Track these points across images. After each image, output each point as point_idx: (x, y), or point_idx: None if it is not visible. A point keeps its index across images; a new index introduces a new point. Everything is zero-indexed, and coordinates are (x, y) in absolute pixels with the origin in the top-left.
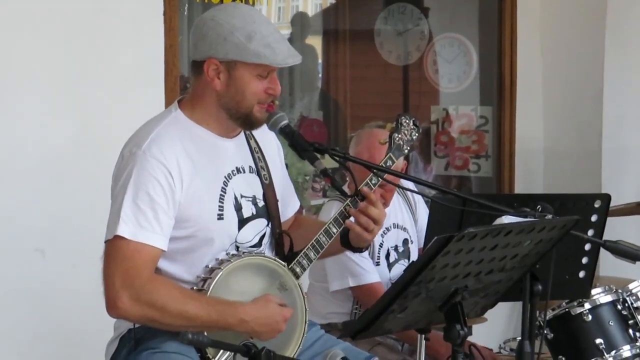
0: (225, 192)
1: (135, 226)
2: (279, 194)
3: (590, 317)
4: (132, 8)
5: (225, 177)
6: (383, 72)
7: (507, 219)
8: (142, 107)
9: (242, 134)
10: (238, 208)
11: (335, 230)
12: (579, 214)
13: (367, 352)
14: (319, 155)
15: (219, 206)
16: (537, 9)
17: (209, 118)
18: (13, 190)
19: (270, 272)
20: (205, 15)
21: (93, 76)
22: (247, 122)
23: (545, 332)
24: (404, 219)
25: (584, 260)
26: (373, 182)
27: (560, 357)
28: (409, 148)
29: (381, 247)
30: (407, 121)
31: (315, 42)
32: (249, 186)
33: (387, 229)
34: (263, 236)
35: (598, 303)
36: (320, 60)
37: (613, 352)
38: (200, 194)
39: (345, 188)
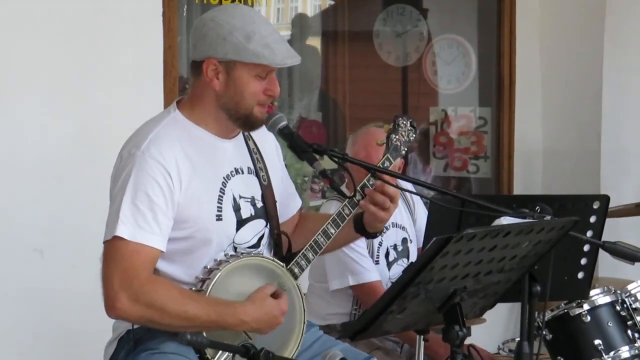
0: (223, 193)
1: (134, 227)
2: (278, 195)
3: (589, 318)
4: (131, 9)
5: (224, 177)
6: (382, 73)
7: (506, 220)
8: (141, 108)
9: (241, 134)
10: (237, 209)
11: (333, 231)
12: (578, 215)
13: (365, 354)
14: (317, 157)
15: (218, 207)
16: (536, 10)
17: (208, 119)
18: (12, 190)
19: (269, 273)
20: (205, 15)
21: (92, 76)
22: (247, 123)
23: (544, 333)
24: (403, 219)
25: (583, 261)
26: (371, 182)
27: (559, 357)
28: (406, 149)
29: (380, 245)
30: (404, 122)
31: (314, 43)
32: (248, 187)
33: (386, 228)
34: (262, 237)
35: (597, 304)
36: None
37: (612, 353)
38: (199, 194)
39: (344, 188)
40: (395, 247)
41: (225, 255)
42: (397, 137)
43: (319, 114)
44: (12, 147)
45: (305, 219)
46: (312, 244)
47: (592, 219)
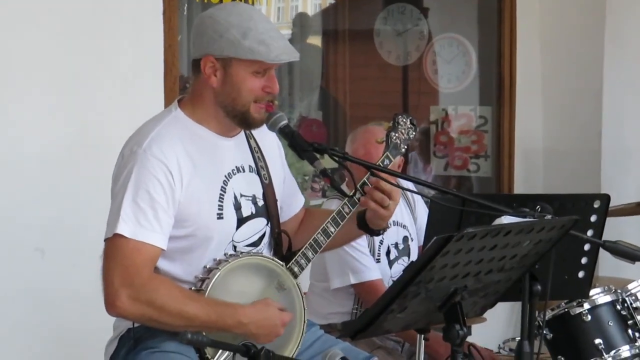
0: (225, 192)
1: (135, 225)
2: (279, 194)
3: (589, 317)
4: (132, 8)
5: (225, 176)
6: (382, 72)
7: (506, 219)
8: (142, 107)
9: (242, 133)
10: (237, 207)
11: (333, 230)
12: (578, 214)
13: (366, 353)
14: (318, 155)
15: (219, 205)
16: (537, 9)
17: (209, 117)
18: (13, 190)
19: (269, 272)
20: (203, 13)
21: (92, 76)
22: (244, 121)
23: (544, 332)
24: (404, 217)
25: (583, 260)
26: (373, 179)
27: (559, 357)
28: (406, 147)
29: (381, 244)
30: (404, 120)
31: (315, 42)
32: (249, 185)
33: (387, 226)
34: (263, 236)
35: (597, 303)
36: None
37: (612, 352)
38: (200, 193)
39: (344, 187)
40: (396, 245)
41: (224, 254)
42: (396, 135)
43: (319, 113)
44: (12, 147)
45: (310, 215)
46: (312, 242)
47: (593, 218)
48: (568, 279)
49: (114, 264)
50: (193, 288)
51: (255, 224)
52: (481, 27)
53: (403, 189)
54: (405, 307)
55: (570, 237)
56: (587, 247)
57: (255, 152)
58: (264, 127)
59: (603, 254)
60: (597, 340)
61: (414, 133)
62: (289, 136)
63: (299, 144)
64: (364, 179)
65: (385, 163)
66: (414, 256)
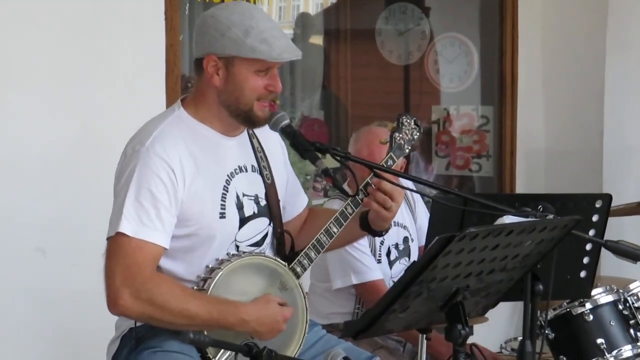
0: (227, 191)
1: (138, 223)
2: (281, 195)
3: (591, 317)
4: (133, 8)
5: (227, 175)
6: (384, 72)
7: (508, 219)
8: (143, 107)
9: (245, 133)
10: (240, 207)
11: (335, 230)
12: (580, 214)
13: (368, 352)
14: (320, 155)
15: (221, 205)
16: (538, 8)
17: (211, 116)
18: (13, 190)
19: (271, 272)
20: (205, 13)
21: (94, 76)
22: (247, 120)
23: (546, 332)
24: (404, 217)
25: (585, 260)
26: (375, 180)
27: (561, 357)
28: (410, 147)
29: (382, 244)
30: (408, 120)
31: (316, 41)
32: (251, 185)
33: (389, 227)
34: (265, 235)
35: (599, 303)
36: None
37: (614, 352)
38: (203, 192)
39: (346, 187)
40: (396, 245)
41: (227, 254)
42: (400, 135)
43: (321, 113)
44: (13, 147)
45: (314, 215)
46: (315, 243)
47: (595, 218)
48: (570, 279)
49: (116, 262)
50: (195, 287)
51: (258, 223)
52: (483, 27)
53: (405, 188)
54: (407, 307)
55: (572, 237)
56: (589, 246)
57: (258, 151)
58: (267, 127)
59: (605, 254)
60: (599, 340)
61: (418, 134)
62: (290, 136)
63: (300, 144)
64: (367, 179)
65: (388, 163)
66: (414, 257)
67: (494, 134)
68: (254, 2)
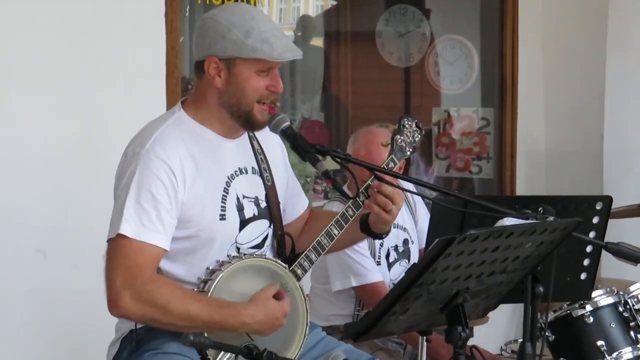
0: (227, 193)
1: (138, 225)
2: (282, 197)
3: (591, 319)
4: (133, 9)
5: (228, 177)
6: (384, 74)
7: (508, 221)
8: (144, 108)
9: (246, 135)
10: (240, 208)
11: (336, 232)
12: (581, 216)
13: (368, 355)
14: (320, 157)
15: (222, 206)
16: (539, 10)
17: (212, 118)
18: (14, 191)
19: (271, 274)
20: (205, 15)
21: (94, 77)
22: (247, 122)
23: (546, 334)
24: (404, 220)
25: (586, 262)
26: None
27: (561, 359)
28: (411, 150)
29: (381, 246)
30: (410, 123)
31: (317, 43)
32: (252, 187)
33: (390, 230)
34: (265, 237)
35: (599, 305)
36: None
37: (614, 354)
38: (203, 194)
39: (346, 189)
40: (396, 248)
41: (227, 256)
42: (402, 137)
43: (321, 115)
44: (13, 148)
45: (314, 217)
46: (316, 245)
47: (595, 220)
48: (570, 281)
49: (117, 264)
50: (196, 289)
51: (258, 225)
52: (483, 29)
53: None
54: (407, 309)
55: (573, 239)
56: (589, 248)
57: (259, 153)
58: (267, 129)
59: (605, 256)
60: (599, 342)
61: (419, 136)
62: (291, 138)
63: (301, 146)
64: (368, 181)
65: (390, 166)
66: (414, 259)
67: (495, 136)
68: (254, 4)
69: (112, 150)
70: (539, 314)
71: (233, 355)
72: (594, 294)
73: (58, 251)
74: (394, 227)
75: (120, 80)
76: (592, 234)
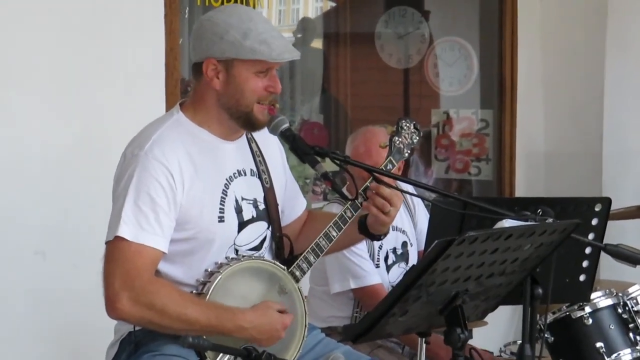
0: (226, 195)
1: (137, 228)
2: (280, 198)
3: (590, 320)
4: (133, 11)
5: (226, 179)
6: (383, 75)
7: (507, 223)
8: (143, 110)
9: (244, 137)
10: (239, 210)
11: (335, 234)
12: (580, 218)
13: (367, 355)
14: (319, 159)
15: (220, 208)
16: (538, 12)
17: (211, 120)
18: (13, 192)
19: (270, 276)
20: (202, 17)
21: (94, 79)
22: (247, 122)
23: (545, 335)
24: (403, 222)
25: (585, 263)
26: (373, 184)
27: None
28: (409, 151)
29: (380, 249)
30: (408, 124)
31: (316, 45)
32: (250, 189)
33: (388, 231)
34: (264, 239)
35: (598, 307)
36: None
37: (613, 356)
38: (202, 196)
39: (345, 190)
40: (394, 250)
41: (226, 258)
42: (400, 139)
43: (320, 116)
44: (12, 149)
45: (313, 218)
46: (314, 246)
47: (594, 222)
48: (569, 283)
49: (115, 266)
50: (194, 291)
51: (256, 227)
52: (482, 30)
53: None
54: (406, 311)
55: (572, 241)
56: (588, 250)
57: (257, 155)
58: (266, 131)
59: (604, 257)
60: (598, 344)
61: (417, 138)
62: (290, 139)
63: (300, 148)
64: (367, 183)
65: (388, 167)
66: (413, 261)
67: (494, 138)
68: (254, 6)
69: (112, 150)
70: (538, 316)
71: (232, 357)
72: (593, 295)
73: (58, 251)
74: (393, 230)
75: (120, 81)
76: (591, 236)
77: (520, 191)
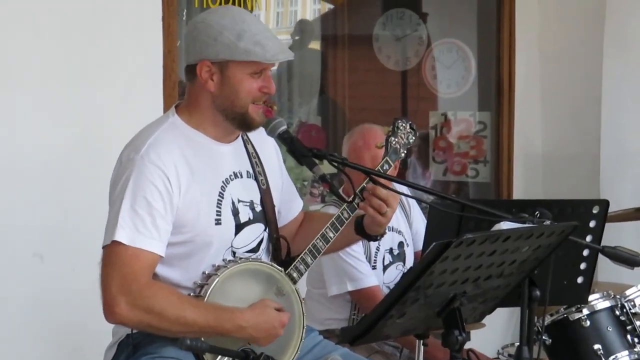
0: (222, 197)
1: (133, 232)
2: (277, 200)
3: (588, 322)
4: (131, 13)
5: (222, 182)
6: (381, 77)
7: (505, 225)
8: (141, 112)
9: (240, 138)
10: (235, 213)
11: (332, 235)
12: (578, 220)
13: (365, 358)
14: (317, 161)
15: (217, 211)
16: (536, 14)
17: (206, 122)
18: (12, 195)
19: (267, 278)
20: (195, 18)
21: (92, 81)
22: (243, 123)
23: (543, 337)
24: (399, 223)
25: (582, 266)
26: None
27: None
28: (405, 151)
29: (378, 250)
30: (404, 125)
31: (314, 47)
32: (247, 191)
33: (384, 232)
34: (261, 241)
35: (596, 309)
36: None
37: (611, 358)
38: (198, 199)
39: (341, 192)
40: (391, 250)
41: (223, 260)
42: (396, 139)
43: (318, 118)
44: (10, 152)
45: (309, 219)
46: (311, 248)
47: (592, 224)
48: (567, 285)
49: (112, 271)
50: (192, 294)
51: (253, 229)
52: (480, 33)
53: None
54: (404, 313)
55: (569, 243)
56: (586, 252)
57: (253, 157)
58: (262, 133)
59: (602, 260)
60: (596, 346)
61: (413, 138)
62: (288, 142)
63: (298, 150)
64: (363, 184)
65: (384, 168)
66: (409, 262)
67: (491, 140)
68: (252, 8)
69: (110, 153)
70: (535, 318)
71: (230, 359)
72: (591, 297)
73: (57, 252)
74: (389, 230)
75: (118, 84)
76: (589, 238)
77: (518, 193)
